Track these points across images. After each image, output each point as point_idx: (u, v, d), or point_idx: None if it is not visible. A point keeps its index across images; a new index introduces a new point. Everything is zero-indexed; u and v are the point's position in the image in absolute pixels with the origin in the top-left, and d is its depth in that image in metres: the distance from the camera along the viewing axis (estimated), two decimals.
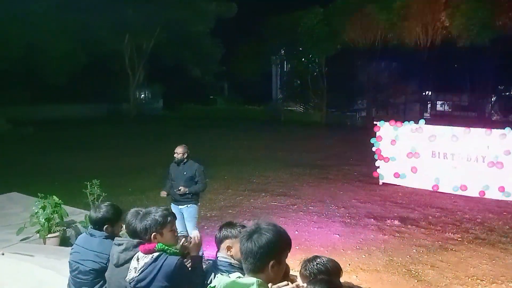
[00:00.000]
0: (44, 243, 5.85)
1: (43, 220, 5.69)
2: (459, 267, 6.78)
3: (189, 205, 6.66)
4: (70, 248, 5.85)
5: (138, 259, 2.87)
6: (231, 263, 2.91)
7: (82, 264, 3.33)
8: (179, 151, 6.63)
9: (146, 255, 2.85)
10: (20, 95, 29.84)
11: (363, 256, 7.26)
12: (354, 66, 31.66)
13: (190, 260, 3.01)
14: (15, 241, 5.79)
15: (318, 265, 2.83)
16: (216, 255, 3.70)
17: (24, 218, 6.32)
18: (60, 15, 25.73)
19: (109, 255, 3.26)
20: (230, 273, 2.64)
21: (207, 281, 2.95)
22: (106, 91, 34.50)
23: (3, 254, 4.86)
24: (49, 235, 5.84)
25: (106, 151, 17.91)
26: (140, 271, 2.80)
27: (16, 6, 23.12)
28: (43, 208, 5.75)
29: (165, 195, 6.85)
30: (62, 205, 6.33)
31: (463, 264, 6.91)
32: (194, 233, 3.24)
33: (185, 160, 6.67)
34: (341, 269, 2.95)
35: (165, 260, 2.83)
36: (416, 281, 6.38)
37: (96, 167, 13.95)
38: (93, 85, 33.79)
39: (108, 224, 3.42)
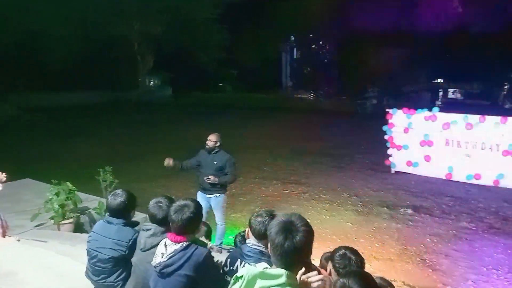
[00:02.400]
0: (58, 229, 5.87)
1: (57, 206, 5.69)
2: (473, 257, 6.72)
3: (217, 195, 6.51)
4: (84, 234, 5.90)
5: (166, 245, 2.86)
6: (262, 251, 2.88)
7: (101, 252, 3.30)
8: (212, 139, 6.37)
9: (175, 243, 2.84)
10: (28, 82, 29.82)
11: (376, 245, 7.22)
12: (365, 53, 31.22)
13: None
14: (30, 227, 5.81)
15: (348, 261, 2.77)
16: (235, 240, 3.67)
17: (38, 204, 6.31)
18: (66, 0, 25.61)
19: (127, 242, 3.25)
20: (258, 261, 2.60)
21: (232, 267, 2.95)
22: (115, 78, 34.38)
23: (18, 240, 4.87)
24: (63, 222, 5.85)
25: (115, 138, 17.94)
26: (168, 257, 2.80)
27: None
28: (57, 194, 5.75)
29: (170, 164, 6.35)
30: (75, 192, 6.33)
31: (477, 254, 6.84)
32: None
33: (217, 150, 6.41)
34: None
35: (196, 249, 2.83)
36: (430, 270, 6.33)
37: (105, 154, 14.00)
38: (101, 72, 33.66)
39: (128, 211, 3.40)
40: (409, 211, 8.84)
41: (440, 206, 9.21)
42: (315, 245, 6.73)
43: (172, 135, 18.45)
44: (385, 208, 9.01)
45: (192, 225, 2.87)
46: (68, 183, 5.98)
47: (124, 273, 3.31)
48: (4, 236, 4.81)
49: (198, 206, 2.95)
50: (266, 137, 18.48)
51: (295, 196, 9.96)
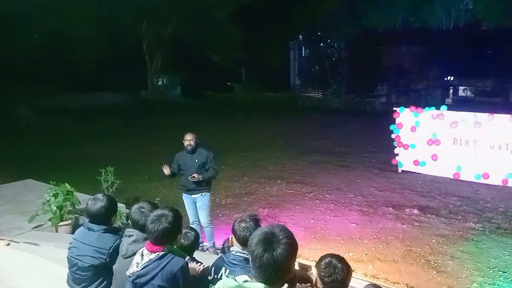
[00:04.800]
0: (57, 231, 5.85)
1: (55, 208, 5.66)
2: (480, 258, 6.59)
3: (203, 194, 6.51)
4: None
5: (142, 255, 2.78)
6: (247, 258, 2.77)
7: (81, 260, 3.21)
8: (190, 138, 6.42)
9: (151, 253, 2.76)
10: (45, 85, 29.96)
11: (381, 245, 7.11)
12: (374, 50, 30.87)
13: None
14: (28, 228, 5.80)
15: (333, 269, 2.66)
16: (223, 246, 3.57)
17: (39, 205, 6.31)
18: (83, 2, 25.76)
19: (108, 249, 3.17)
20: (242, 270, 2.51)
21: (217, 276, 2.85)
22: (127, 79, 34.43)
23: (8, 244, 4.82)
24: (61, 223, 5.83)
25: (126, 139, 17.88)
26: (142, 267, 2.72)
27: None
28: (55, 196, 5.72)
29: (169, 173, 6.46)
30: (77, 193, 6.30)
31: (484, 255, 6.71)
32: (192, 266, 3.13)
33: (195, 148, 6.46)
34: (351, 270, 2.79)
35: (171, 260, 2.74)
36: (435, 272, 6.21)
37: (115, 154, 14.03)
38: (114, 73, 33.72)
39: (109, 216, 3.32)
40: (415, 211, 8.70)
41: (447, 206, 9.05)
42: (318, 247, 6.61)
43: (180, 135, 18.40)
44: (391, 208, 8.88)
45: (169, 236, 2.78)
46: (66, 184, 5.95)
47: (105, 282, 3.23)
48: None
49: (176, 216, 2.84)
50: (273, 136, 18.38)
51: (300, 196, 9.85)
